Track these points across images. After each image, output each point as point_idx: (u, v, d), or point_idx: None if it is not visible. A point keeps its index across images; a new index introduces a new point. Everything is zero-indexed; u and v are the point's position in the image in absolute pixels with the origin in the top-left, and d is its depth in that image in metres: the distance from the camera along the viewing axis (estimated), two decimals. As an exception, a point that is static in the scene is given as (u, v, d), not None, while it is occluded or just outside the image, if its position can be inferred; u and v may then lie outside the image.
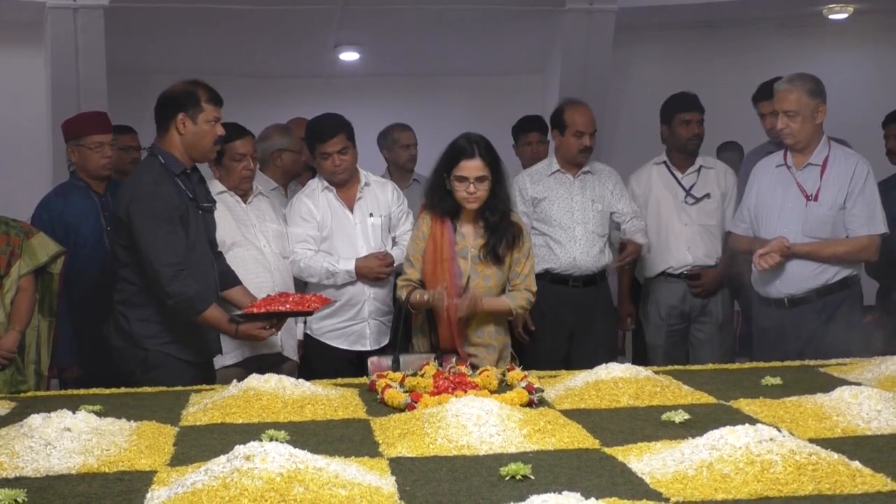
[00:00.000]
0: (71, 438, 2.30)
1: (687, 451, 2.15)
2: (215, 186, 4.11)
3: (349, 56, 7.11)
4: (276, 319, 3.57)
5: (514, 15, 6.42)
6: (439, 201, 3.78)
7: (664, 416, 2.63)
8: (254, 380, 2.90)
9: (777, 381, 3.08)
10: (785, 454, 2.05)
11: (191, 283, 3.46)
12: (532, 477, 2.12)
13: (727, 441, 2.10)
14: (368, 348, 4.19)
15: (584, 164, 4.71)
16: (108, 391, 3.21)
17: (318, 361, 4.21)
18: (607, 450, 2.37)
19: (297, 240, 4.22)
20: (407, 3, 6.16)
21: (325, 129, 4.20)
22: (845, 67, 6.94)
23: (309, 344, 4.30)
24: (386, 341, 4.21)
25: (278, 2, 6.02)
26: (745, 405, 2.79)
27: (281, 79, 7.21)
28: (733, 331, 5.15)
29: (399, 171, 5.51)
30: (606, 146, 6.20)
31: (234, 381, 2.97)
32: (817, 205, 3.99)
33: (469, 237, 3.79)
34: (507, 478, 2.11)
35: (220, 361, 3.86)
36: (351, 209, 4.26)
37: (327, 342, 4.24)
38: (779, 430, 2.16)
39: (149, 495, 2.05)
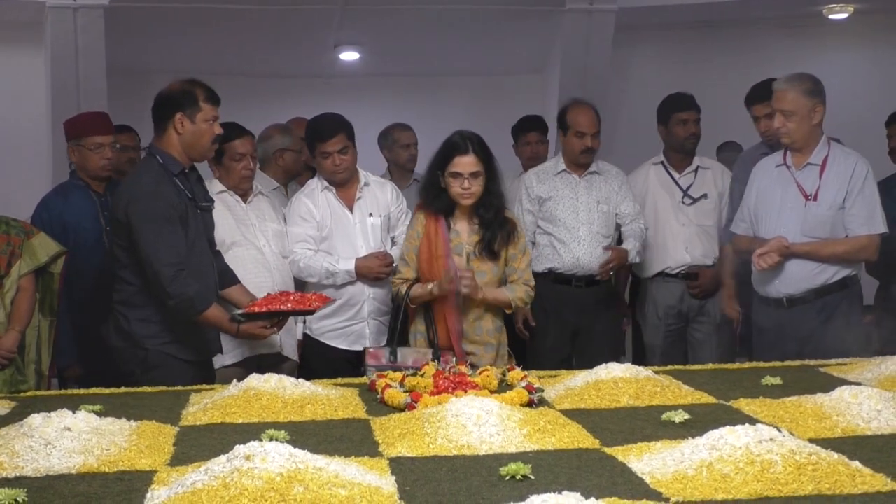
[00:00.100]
0: (71, 438, 2.30)
1: (687, 450, 2.15)
2: (215, 186, 4.11)
3: (349, 56, 7.11)
4: (278, 318, 3.57)
5: (514, 15, 6.43)
6: (433, 199, 3.81)
7: (664, 416, 2.63)
8: (254, 380, 2.90)
9: (777, 381, 3.08)
10: (785, 454, 2.05)
11: (191, 283, 3.46)
12: (532, 477, 2.12)
13: (727, 441, 2.10)
14: (368, 348, 4.20)
15: (588, 164, 4.71)
16: (108, 391, 3.21)
17: (317, 361, 4.21)
18: (607, 450, 2.37)
19: (296, 239, 4.22)
20: (407, 3, 6.16)
21: (325, 128, 4.20)
22: (845, 67, 6.94)
23: (308, 344, 4.30)
24: (385, 341, 4.21)
25: (278, 2, 6.02)
26: (745, 405, 2.79)
27: (281, 79, 7.21)
28: (732, 331, 5.14)
29: (399, 171, 5.52)
30: (606, 146, 6.18)
31: (234, 380, 2.97)
32: (816, 204, 3.99)
33: (464, 234, 3.82)
34: (507, 478, 2.11)
35: (219, 361, 3.86)
36: (350, 209, 4.26)
37: (326, 342, 4.24)
38: (779, 430, 2.15)
39: (149, 495, 2.05)
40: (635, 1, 6.41)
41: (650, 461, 2.20)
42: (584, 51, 6.49)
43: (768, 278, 4.06)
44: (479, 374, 3.14)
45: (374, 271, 4.16)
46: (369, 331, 4.22)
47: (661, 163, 5.01)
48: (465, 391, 2.83)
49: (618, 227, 4.75)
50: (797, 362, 3.52)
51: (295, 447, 2.03)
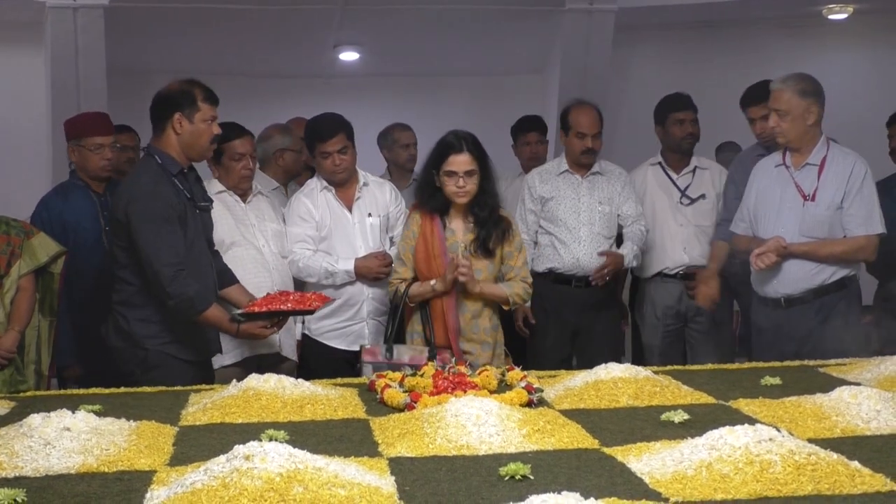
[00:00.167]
0: (70, 438, 2.30)
1: (686, 451, 2.15)
2: (214, 186, 4.11)
3: (349, 56, 7.12)
4: (278, 318, 3.57)
5: (513, 15, 6.43)
6: (429, 199, 3.85)
7: (663, 416, 2.62)
8: (253, 380, 2.90)
9: (776, 381, 3.08)
10: (784, 454, 2.05)
11: (191, 283, 3.46)
12: (531, 477, 2.12)
13: (726, 441, 2.10)
14: (367, 348, 4.20)
15: (590, 165, 4.71)
16: (107, 391, 3.21)
17: (316, 361, 4.21)
18: (607, 450, 2.37)
19: (295, 240, 4.23)
20: (407, 3, 6.17)
21: (324, 128, 4.20)
22: (845, 68, 6.95)
23: (307, 344, 4.30)
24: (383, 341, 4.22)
25: (278, 2, 6.03)
26: (744, 405, 2.79)
27: (281, 79, 7.22)
28: (731, 331, 5.16)
29: (399, 171, 5.52)
30: (606, 146, 6.18)
31: (234, 380, 2.97)
32: (814, 205, 3.99)
33: (459, 232, 3.85)
34: (507, 478, 2.11)
35: (218, 361, 3.87)
36: (349, 209, 4.27)
37: (325, 342, 4.24)
38: (778, 430, 2.15)
39: (148, 495, 2.05)
40: (635, 1, 6.41)
41: (649, 461, 2.20)
42: (584, 51, 6.49)
43: (766, 278, 4.06)
44: (479, 374, 3.14)
45: (373, 271, 4.16)
46: (368, 331, 4.22)
47: (659, 163, 5.02)
48: (465, 391, 2.83)
49: (620, 227, 4.75)
50: (796, 362, 3.52)
51: (294, 447, 2.03)
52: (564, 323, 4.67)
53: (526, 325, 4.59)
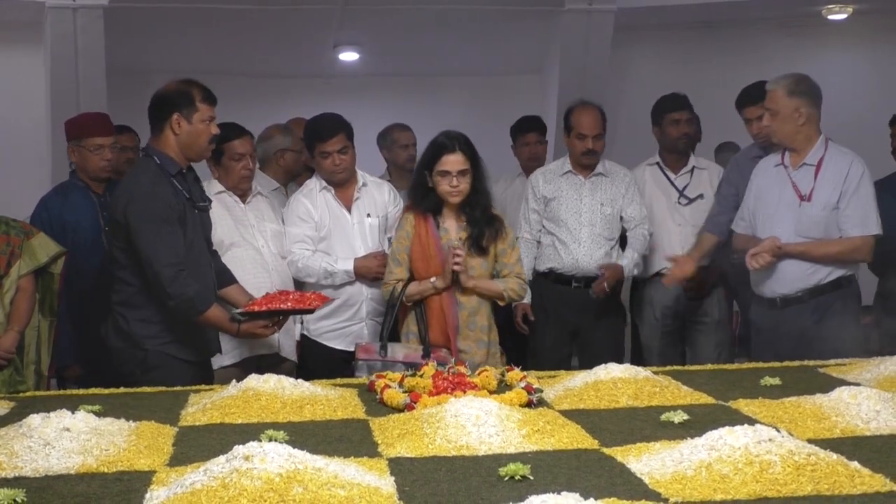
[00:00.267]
0: (70, 438, 2.30)
1: (686, 451, 2.15)
2: (214, 186, 4.11)
3: (349, 56, 7.11)
4: (278, 318, 3.57)
5: (513, 15, 6.43)
6: (422, 199, 3.91)
7: (663, 417, 2.63)
8: (253, 380, 2.90)
9: (776, 381, 3.08)
10: (784, 454, 2.06)
11: (191, 284, 3.46)
12: (531, 477, 2.12)
13: (726, 441, 2.10)
14: (366, 349, 4.20)
15: (592, 166, 4.71)
16: (107, 391, 3.21)
17: (315, 362, 4.21)
18: (606, 450, 2.37)
19: (294, 240, 4.23)
20: (407, 3, 6.17)
21: (324, 128, 4.21)
22: (844, 68, 6.95)
23: (306, 345, 4.30)
24: (381, 340, 4.24)
25: (278, 2, 6.03)
26: (743, 405, 2.79)
27: (281, 79, 7.22)
28: (730, 331, 5.15)
29: (398, 171, 5.51)
30: (606, 146, 6.22)
31: (234, 381, 2.97)
32: (810, 205, 3.99)
33: (452, 231, 3.91)
34: (506, 478, 2.11)
35: (218, 361, 3.86)
36: (349, 209, 4.27)
37: (324, 343, 4.24)
38: (778, 431, 2.15)
39: (148, 495, 2.05)
40: (634, 1, 6.41)
41: (649, 461, 2.20)
42: (583, 51, 6.49)
43: (763, 278, 4.07)
44: (478, 374, 3.14)
45: (372, 271, 4.16)
46: (367, 331, 4.22)
47: (657, 163, 5.02)
48: (465, 392, 2.83)
49: (623, 229, 4.75)
50: (796, 363, 3.51)
51: (294, 447, 2.03)
52: (564, 323, 4.68)
53: (525, 323, 4.60)
